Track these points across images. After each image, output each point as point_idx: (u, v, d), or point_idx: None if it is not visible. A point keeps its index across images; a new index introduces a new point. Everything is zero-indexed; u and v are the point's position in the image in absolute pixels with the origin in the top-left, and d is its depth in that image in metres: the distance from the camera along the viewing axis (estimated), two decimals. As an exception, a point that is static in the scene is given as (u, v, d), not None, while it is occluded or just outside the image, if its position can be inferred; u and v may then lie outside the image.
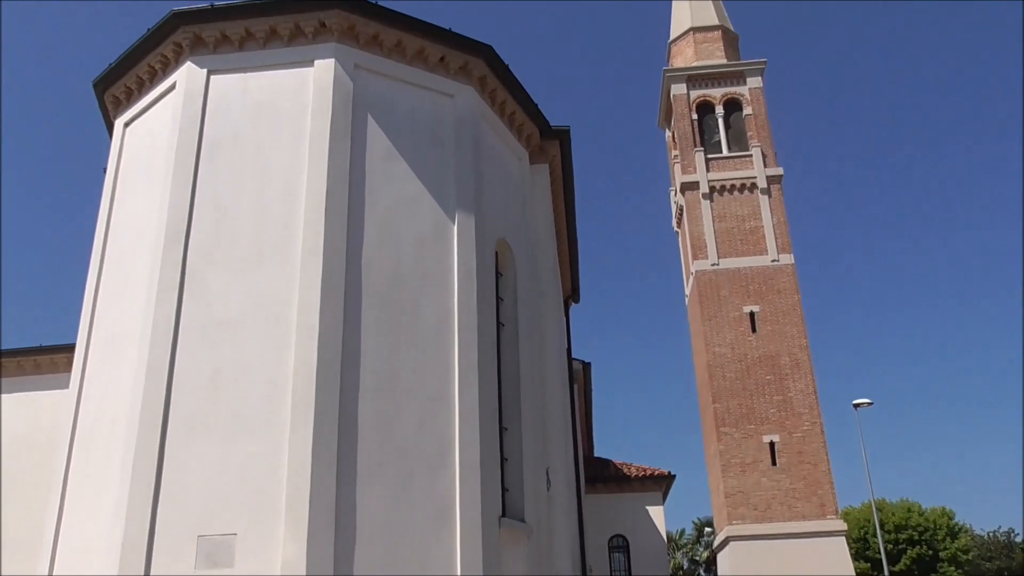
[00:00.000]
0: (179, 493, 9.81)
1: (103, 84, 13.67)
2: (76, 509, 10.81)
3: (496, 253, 13.05)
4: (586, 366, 26.02)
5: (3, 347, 17.02)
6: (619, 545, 26.91)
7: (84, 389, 11.68)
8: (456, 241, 11.77)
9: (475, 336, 11.33)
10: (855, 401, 32.90)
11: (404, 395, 10.58)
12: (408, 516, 10.02)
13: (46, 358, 16.75)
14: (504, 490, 11.71)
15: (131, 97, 13.49)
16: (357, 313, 10.66)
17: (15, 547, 14.90)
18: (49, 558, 10.79)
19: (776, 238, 36.12)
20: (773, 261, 35.83)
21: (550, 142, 15.26)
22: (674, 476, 27.90)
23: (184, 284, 10.88)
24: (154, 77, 12.99)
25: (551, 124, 15.00)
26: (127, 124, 13.46)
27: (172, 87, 12.46)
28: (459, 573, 10.02)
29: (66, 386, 12.49)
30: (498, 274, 13.13)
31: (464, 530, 10.23)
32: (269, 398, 10.12)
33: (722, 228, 36.77)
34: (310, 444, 9.72)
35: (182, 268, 10.96)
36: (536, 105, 14.45)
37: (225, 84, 12.12)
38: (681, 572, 60.73)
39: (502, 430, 12.08)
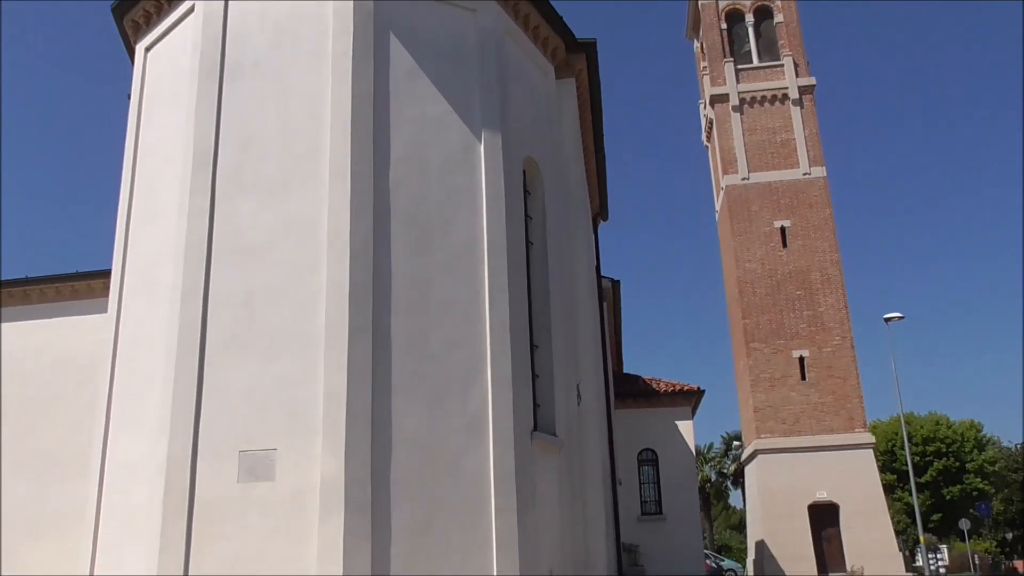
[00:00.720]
0: (219, 411, 10.12)
1: (121, 8, 13.53)
2: (121, 428, 11.20)
3: (524, 171, 12.95)
4: (615, 284, 26.01)
5: (40, 275, 17.37)
6: (648, 458, 27.41)
7: (122, 312, 11.96)
8: (483, 159, 11.68)
9: (504, 255, 11.35)
10: (886, 315, 32.54)
11: (436, 313, 10.70)
12: (442, 430, 10.26)
13: (83, 283, 17.05)
14: (536, 405, 11.91)
15: (150, 21, 13.35)
16: (386, 233, 10.70)
17: (61, 465, 15.52)
18: (98, 474, 11.26)
19: (808, 150, 35.41)
20: (805, 174, 35.20)
21: (576, 56, 14.90)
22: (703, 391, 28.09)
23: (214, 209, 10.98)
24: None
25: (577, 37, 14.64)
26: (148, 49, 13.36)
27: (191, 10, 12.30)
28: (492, 485, 10.30)
29: (104, 310, 12.78)
30: (526, 192, 13.05)
31: (497, 443, 10.47)
32: (303, 317, 10.28)
33: (752, 141, 36.06)
34: (345, 361, 9.90)
35: (211, 193, 11.05)
36: (561, 18, 14.07)
37: (243, 7, 11.93)
38: (709, 484, 61.86)
39: (533, 347, 12.21)
